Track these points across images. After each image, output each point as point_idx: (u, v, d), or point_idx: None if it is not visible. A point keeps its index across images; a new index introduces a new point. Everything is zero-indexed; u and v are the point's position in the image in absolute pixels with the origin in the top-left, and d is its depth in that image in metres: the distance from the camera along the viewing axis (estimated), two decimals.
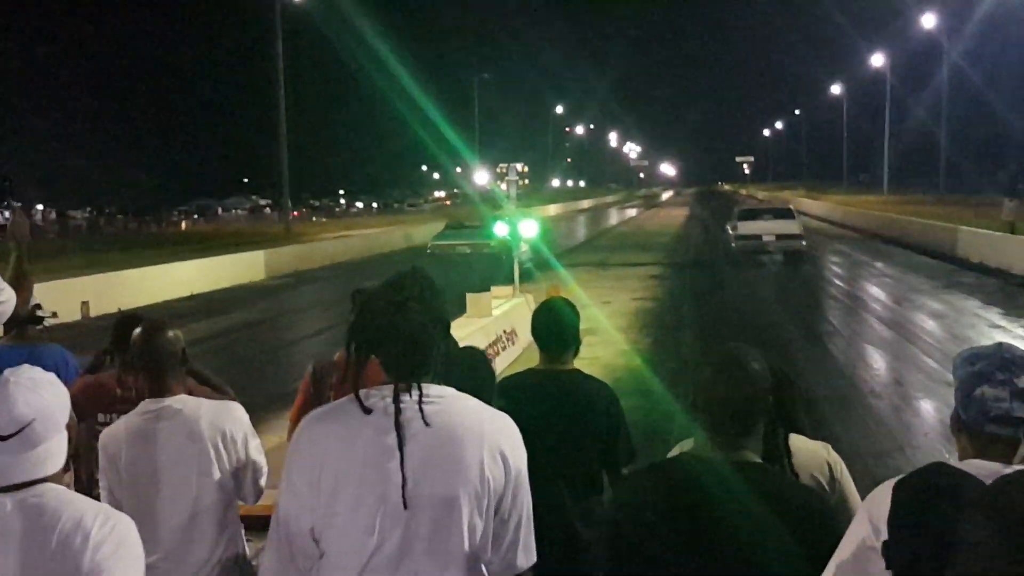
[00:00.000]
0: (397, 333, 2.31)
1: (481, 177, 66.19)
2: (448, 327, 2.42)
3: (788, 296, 21.79)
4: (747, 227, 29.68)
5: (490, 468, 2.28)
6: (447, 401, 2.33)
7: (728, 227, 31.78)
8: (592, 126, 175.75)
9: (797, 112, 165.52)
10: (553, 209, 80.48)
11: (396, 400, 2.29)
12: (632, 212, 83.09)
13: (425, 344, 2.33)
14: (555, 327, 3.90)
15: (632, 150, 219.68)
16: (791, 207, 33.80)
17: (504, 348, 13.87)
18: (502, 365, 12.60)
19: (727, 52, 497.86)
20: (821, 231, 44.13)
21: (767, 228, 29.47)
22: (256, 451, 3.43)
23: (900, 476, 2.19)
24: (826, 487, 2.83)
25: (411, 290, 2.35)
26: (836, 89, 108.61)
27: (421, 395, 2.30)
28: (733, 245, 30.03)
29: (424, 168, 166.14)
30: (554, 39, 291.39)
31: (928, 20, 63.13)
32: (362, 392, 2.31)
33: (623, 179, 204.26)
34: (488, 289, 14.92)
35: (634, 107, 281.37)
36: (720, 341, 4.03)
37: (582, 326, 4.02)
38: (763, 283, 24.43)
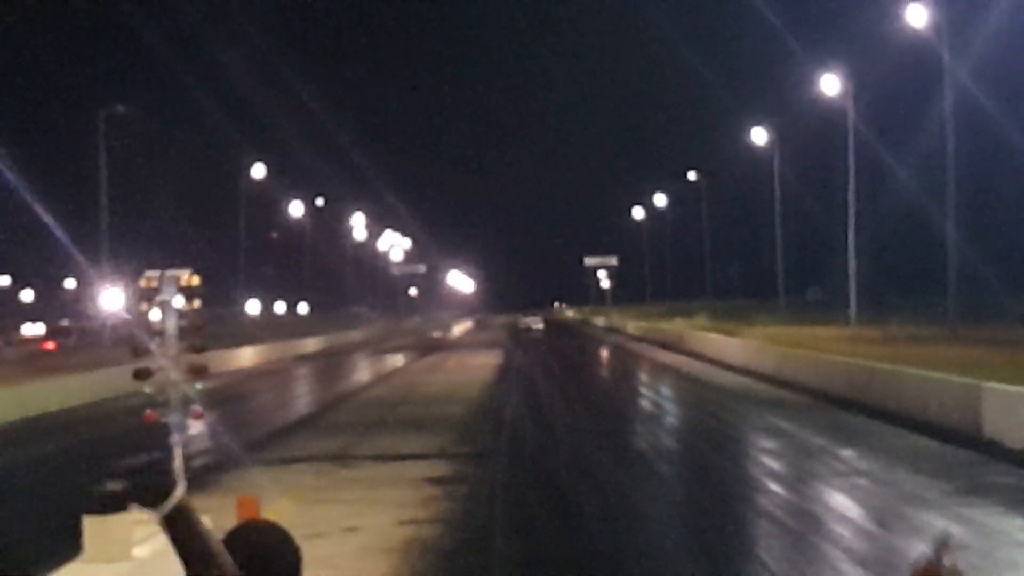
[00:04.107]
0: None
1: (111, 298, 46.05)
2: None
3: (689, 513, 14.60)
4: (522, 321, 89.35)
5: None
6: None
7: (519, 322, 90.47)
8: (321, 201, 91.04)
9: (692, 176, 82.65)
10: (249, 356, 49.48)
11: None
12: (397, 360, 51.55)
13: None
14: None
15: (395, 246, 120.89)
16: (541, 316, 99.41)
17: None
18: None
19: (576, 68, 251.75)
20: (742, 392, 29.51)
21: (530, 322, 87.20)
22: None
23: None
24: None
25: None
26: (760, 137, 58.94)
27: None
28: (520, 328, 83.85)
29: (4, 281, 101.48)
30: (258, 45, 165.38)
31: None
32: None
33: (381, 299, 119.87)
34: (123, 507, 8.00)
35: (401, 171, 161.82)
36: None
37: None
38: (643, 488, 16.37)
